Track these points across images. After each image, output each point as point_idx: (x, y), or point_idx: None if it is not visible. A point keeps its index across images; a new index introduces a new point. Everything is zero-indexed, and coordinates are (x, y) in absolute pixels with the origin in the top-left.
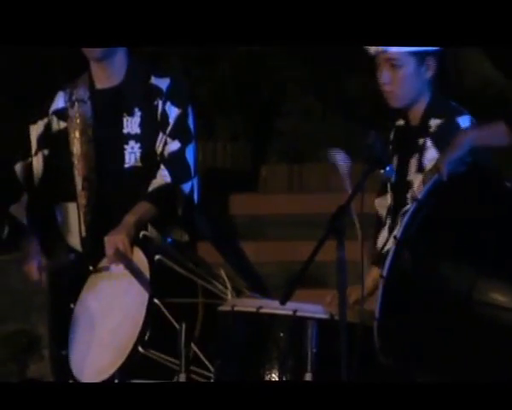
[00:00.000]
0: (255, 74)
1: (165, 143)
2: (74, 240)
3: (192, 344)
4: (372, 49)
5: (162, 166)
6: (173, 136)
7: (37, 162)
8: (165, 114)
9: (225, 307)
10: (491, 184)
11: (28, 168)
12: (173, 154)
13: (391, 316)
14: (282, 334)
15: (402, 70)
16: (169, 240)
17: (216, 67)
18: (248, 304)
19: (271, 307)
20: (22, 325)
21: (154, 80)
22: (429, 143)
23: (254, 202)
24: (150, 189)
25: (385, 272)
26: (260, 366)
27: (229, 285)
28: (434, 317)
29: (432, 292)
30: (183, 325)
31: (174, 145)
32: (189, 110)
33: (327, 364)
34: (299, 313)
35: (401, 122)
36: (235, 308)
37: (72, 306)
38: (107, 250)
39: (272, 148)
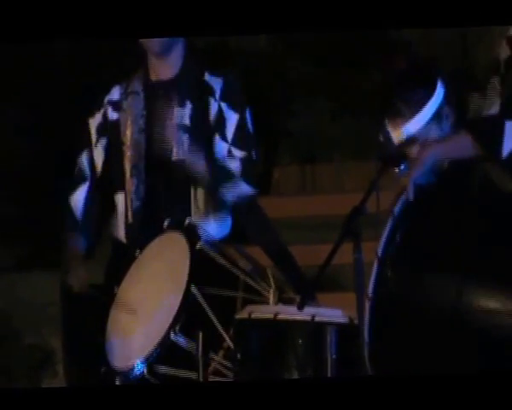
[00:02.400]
0: (266, 75)
1: (230, 150)
2: (119, 231)
3: (227, 339)
4: (395, 138)
5: (235, 161)
6: (237, 144)
7: (98, 152)
8: (221, 118)
9: (242, 315)
10: (462, 190)
11: (91, 159)
12: (244, 158)
13: (380, 338)
14: (300, 341)
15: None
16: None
17: (226, 68)
18: (266, 311)
19: (289, 313)
20: (35, 339)
21: (207, 77)
22: None
23: (267, 204)
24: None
25: (370, 293)
26: (279, 374)
27: (273, 284)
28: (424, 332)
29: (419, 307)
30: (201, 334)
31: (242, 153)
32: (247, 114)
33: (347, 370)
34: (317, 319)
35: None
36: (252, 315)
37: (115, 290)
38: None
39: (284, 149)
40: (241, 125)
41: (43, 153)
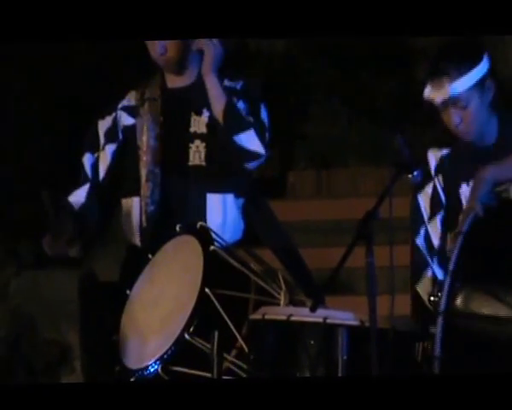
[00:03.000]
0: (282, 79)
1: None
2: (134, 235)
3: (239, 339)
4: (436, 98)
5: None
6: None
7: (104, 156)
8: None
9: (256, 316)
10: None
11: (95, 161)
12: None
13: (451, 349)
14: (312, 342)
15: (470, 107)
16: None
17: (243, 73)
18: (279, 312)
19: (301, 314)
20: (54, 335)
21: (227, 83)
22: None
23: (282, 208)
24: None
25: (442, 307)
26: (291, 374)
27: (284, 287)
28: (490, 346)
29: (487, 320)
30: (216, 334)
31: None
32: (261, 104)
33: (358, 371)
34: (329, 321)
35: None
36: (266, 316)
37: (127, 292)
38: None
39: (300, 153)
40: (251, 109)
41: (60, 152)
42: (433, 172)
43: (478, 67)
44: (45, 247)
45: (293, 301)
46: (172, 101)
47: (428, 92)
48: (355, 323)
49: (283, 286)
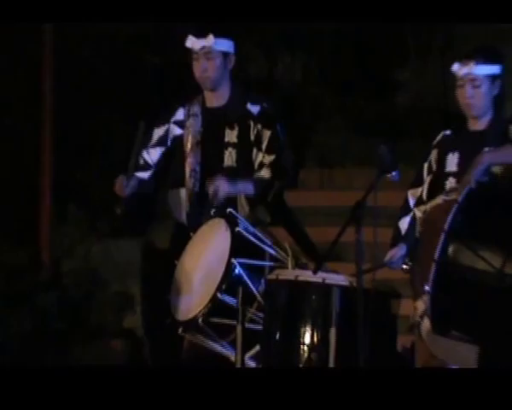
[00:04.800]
0: (297, 102)
1: (264, 157)
2: (182, 216)
3: (258, 297)
4: (461, 71)
5: (265, 169)
6: (269, 151)
7: (154, 153)
8: (259, 135)
9: (271, 276)
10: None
11: (147, 156)
12: (272, 162)
13: (441, 290)
14: (313, 296)
15: (481, 88)
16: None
17: (263, 96)
18: (289, 274)
19: (306, 275)
20: (121, 287)
21: (249, 105)
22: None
23: (295, 196)
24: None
25: (436, 257)
26: (297, 321)
27: (290, 254)
28: (474, 292)
29: (472, 271)
30: (241, 289)
31: (271, 157)
32: (278, 128)
33: (347, 320)
34: (326, 281)
35: (448, 134)
36: (279, 277)
37: (175, 262)
38: (209, 188)
39: (308, 157)
40: (272, 138)
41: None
42: (433, 145)
43: (496, 66)
44: (117, 185)
45: (298, 265)
46: (211, 117)
47: (457, 67)
48: (346, 283)
49: (290, 254)
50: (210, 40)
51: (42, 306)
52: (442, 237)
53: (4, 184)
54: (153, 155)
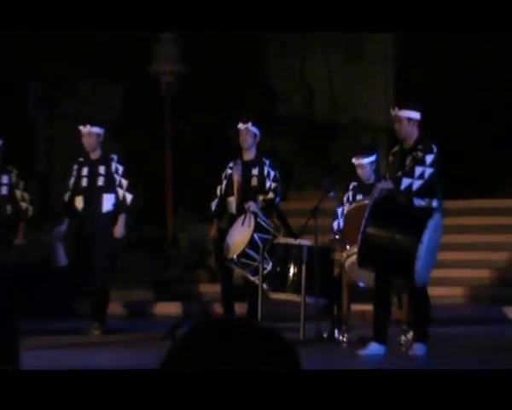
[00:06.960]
0: (306, 137)
1: (270, 185)
2: (233, 210)
3: (267, 256)
4: (393, 113)
5: (271, 193)
6: (274, 188)
7: (222, 185)
8: (269, 173)
9: (276, 241)
10: (391, 200)
11: (220, 187)
12: (274, 188)
13: (363, 246)
14: (295, 251)
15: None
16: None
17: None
18: (282, 240)
19: (291, 240)
20: (200, 258)
21: (263, 159)
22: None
23: (285, 205)
24: (266, 197)
25: (361, 230)
26: (288, 263)
27: (282, 231)
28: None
29: (378, 237)
30: (261, 250)
31: (274, 185)
32: (277, 171)
33: (310, 262)
34: (301, 243)
35: (396, 149)
36: (280, 241)
37: (229, 230)
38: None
39: (292, 184)
40: (274, 176)
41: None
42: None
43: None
44: (212, 232)
45: (285, 235)
46: (246, 165)
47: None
48: (309, 244)
49: (282, 231)
50: (249, 125)
51: (170, 257)
52: (363, 221)
53: (145, 188)
54: (223, 186)
